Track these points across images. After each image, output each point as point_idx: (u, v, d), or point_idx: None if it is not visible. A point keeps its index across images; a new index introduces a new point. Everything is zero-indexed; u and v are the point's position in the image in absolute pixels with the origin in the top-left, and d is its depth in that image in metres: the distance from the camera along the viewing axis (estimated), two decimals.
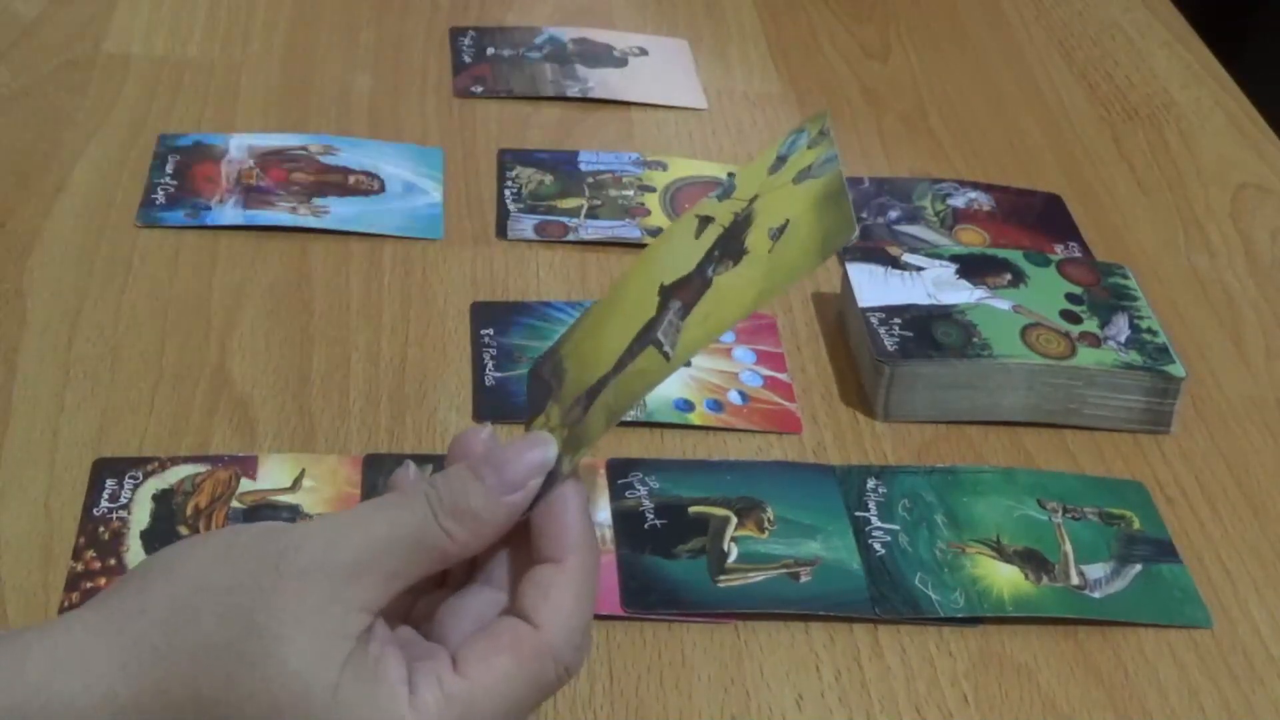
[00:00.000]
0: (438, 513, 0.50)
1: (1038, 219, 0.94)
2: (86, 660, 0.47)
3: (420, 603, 0.53)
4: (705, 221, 0.55)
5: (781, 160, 0.54)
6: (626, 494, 0.70)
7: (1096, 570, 0.69)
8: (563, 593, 0.51)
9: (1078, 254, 0.90)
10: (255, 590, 0.48)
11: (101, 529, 0.66)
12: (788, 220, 0.52)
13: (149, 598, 0.48)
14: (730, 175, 0.55)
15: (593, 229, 0.88)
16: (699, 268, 0.54)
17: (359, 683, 0.47)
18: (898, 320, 0.78)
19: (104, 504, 0.67)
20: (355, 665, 0.47)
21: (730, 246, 0.53)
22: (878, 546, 0.69)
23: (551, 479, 0.52)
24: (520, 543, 0.52)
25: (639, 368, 0.53)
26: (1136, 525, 0.72)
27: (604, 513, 0.69)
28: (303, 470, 0.70)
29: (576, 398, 0.54)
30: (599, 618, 0.65)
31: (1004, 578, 0.68)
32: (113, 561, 0.64)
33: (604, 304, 0.57)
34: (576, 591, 0.51)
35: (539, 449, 0.52)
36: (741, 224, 0.54)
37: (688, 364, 0.76)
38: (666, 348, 0.52)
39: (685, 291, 0.54)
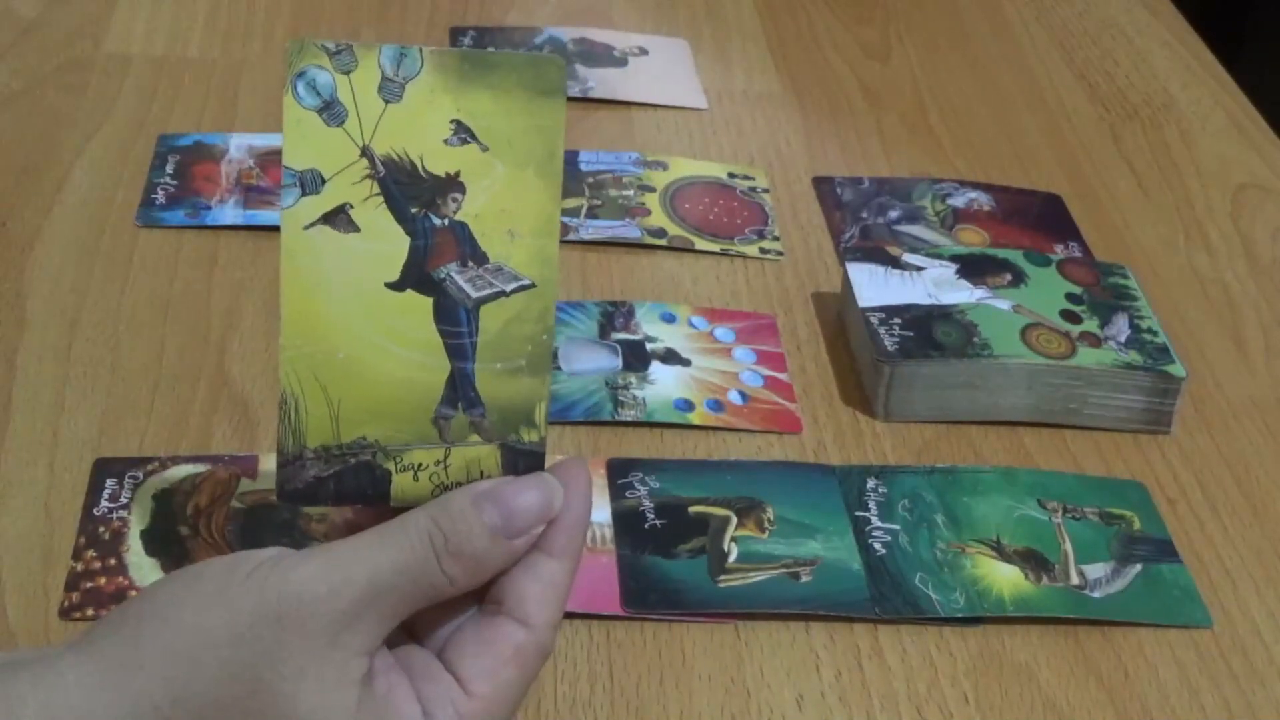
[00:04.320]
0: (440, 555, 0.49)
1: (1038, 219, 0.94)
2: (84, 716, 0.46)
3: None
4: (338, 216, 0.49)
5: (329, 106, 0.49)
6: (626, 494, 0.70)
7: (1096, 570, 0.69)
8: (559, 591, 0.51)
9: (1078, 254, 0.90)
10: (257, 644, 0.46)
11: (101, 529, 0.66)
12: (455, 120, 0.49)
13: (146, 650, 0.47)
14: (286, 179, 0.49)
15: (593, 229, 0.88)
16: (416, 233, 0.49)
17: None
18: (898, 320, 0.78)
19: (104, 504, 0.67)
20: (367, 709, 0.47)
21: (421, 190, 0.49)
22: (878, 546, 0.69)
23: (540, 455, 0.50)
24: None
25: (500, 324, 0.49)
26: (1136, 525, 0.72)
27: (604, 513, 0.69)
28: None
29: (434, 418, 0.50)
30: (599, 618, 0.65)
31: (1004, 578, 0.68)
32: (113, 561, 0.64)
33: (314, 378, 0.50)
34: (568, 584, 0.51)
35: (543, 491, 0.50)
36: (397, 172, 0.49)
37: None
38: (510, 286, 0.49)
39: (438, 256, 0.49)
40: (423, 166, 0.49)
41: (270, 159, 0.91)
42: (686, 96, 1.03)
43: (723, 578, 0.67)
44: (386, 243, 0.49)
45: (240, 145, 0.92)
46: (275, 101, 0.98)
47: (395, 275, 0.50)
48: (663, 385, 0.77)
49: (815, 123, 1.02)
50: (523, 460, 0.52)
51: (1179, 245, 0.93)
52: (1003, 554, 0.69)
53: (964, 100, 1.07)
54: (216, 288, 0.81)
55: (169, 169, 0.90)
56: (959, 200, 0.94)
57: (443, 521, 0.49)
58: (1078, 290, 0.81)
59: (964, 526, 0.70)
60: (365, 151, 0.49)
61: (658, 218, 0.90)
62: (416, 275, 0.50)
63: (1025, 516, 0.71)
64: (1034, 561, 0.69)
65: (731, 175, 0.95)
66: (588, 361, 0.78)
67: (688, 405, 0.76)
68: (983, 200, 0.95)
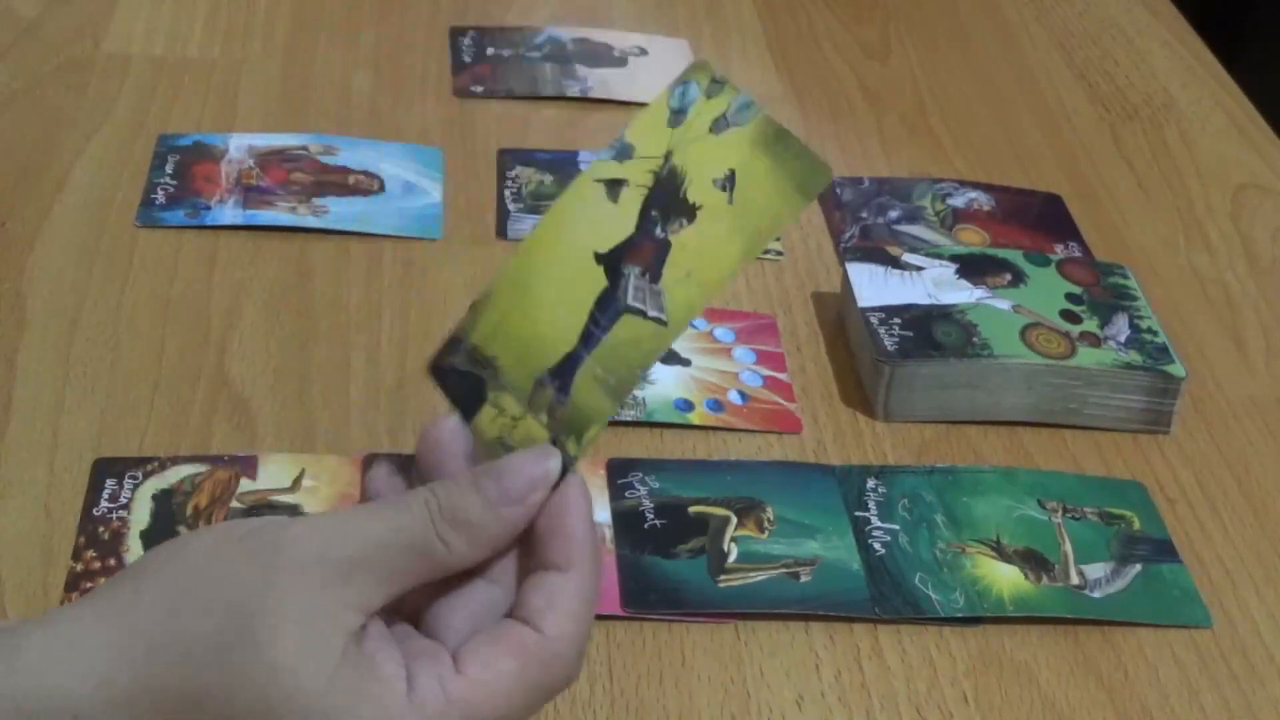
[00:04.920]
0: (436, 521, 0.49)
1: (1038, 219, 0.94)
2: (82, 650, 0.47)
3: (416, 595, 0.52)
4: (616, 185, 0.55)
5: (679, 113, 0.54)
6: (626, 494, 0.70)
7: (1096, 570, 0.69)
8: (569, 601, 0.51)
9: (1078, 254, 0.90)
10: (249, 584, 0.47)
11: (101, 529, 0.66)
12: (732, 170, 0.52)
13: (144, 589, 0.48)
14: (619, 138, 0.55)
15: None
16: (641, 230, 0.53)
17: (353, 679, 0.47)
18: (898, 320, 0.78)
19: (104, 504, 0.67)
20: (349, 662, 0.47)
21: (671, 204, 0.53)
22: (878, 546, 0.69)
23: (562, 470, 0.52)
24: (524, 540, 0.52)
25: (624, 337, 0.52)
26: (1136, 525, 0.72)
27: (604, 513, 0.69)
28: (302, 470, 0.70)
29: (538, 379, 0.53)
30: (599, 618, 0.65)
31: (1004, 578, 0.68)
32: (113, 561, 0.64)
33: (511, 283, 0.55)
34: (582, 599, 0.51)
35: (541, 462, 0.51)
36: (670, 181, 0.53)
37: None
38: (653, 313, 0.52)
39: (637, 255, 0.53)
40: (686, 189, 0.53)
41: (270, 159, 0.91)
42: None
43: (723, 578, 0.67)
44: (621, 224, 0.54)
45: (240, 145, 0.92)
46: (275, 101, 0.98)
47: (605, 249, 0.54)
48: (662, 385, 0.77)
49: (815, 123, 1.02)
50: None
51: (1179, 245, 0.93)
52: (1003, 554, 0.69)
53: (964, 100, 1.07)
54: (216, 288, 0.81)
55: (169, 169, 0.90)
56: (959, 200, 0.94)
57: (439, 490, 0.50)
58: (1077, 290, 0.81)
59: (964, 526, 0.70)
60: (668, 156, 0.54)
61: None
62: (615, 260, 0.54)
63: (1025, 516, 0.71)
64: (1034, 561, 0.69)
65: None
66: None
67: (687, 405, 0.76)
68: (983, 200, 0.95)
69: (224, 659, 0.47)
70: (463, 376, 0.55)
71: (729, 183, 0.53)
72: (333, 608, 0.48)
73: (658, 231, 0.53)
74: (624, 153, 0.55)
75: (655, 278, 0.53)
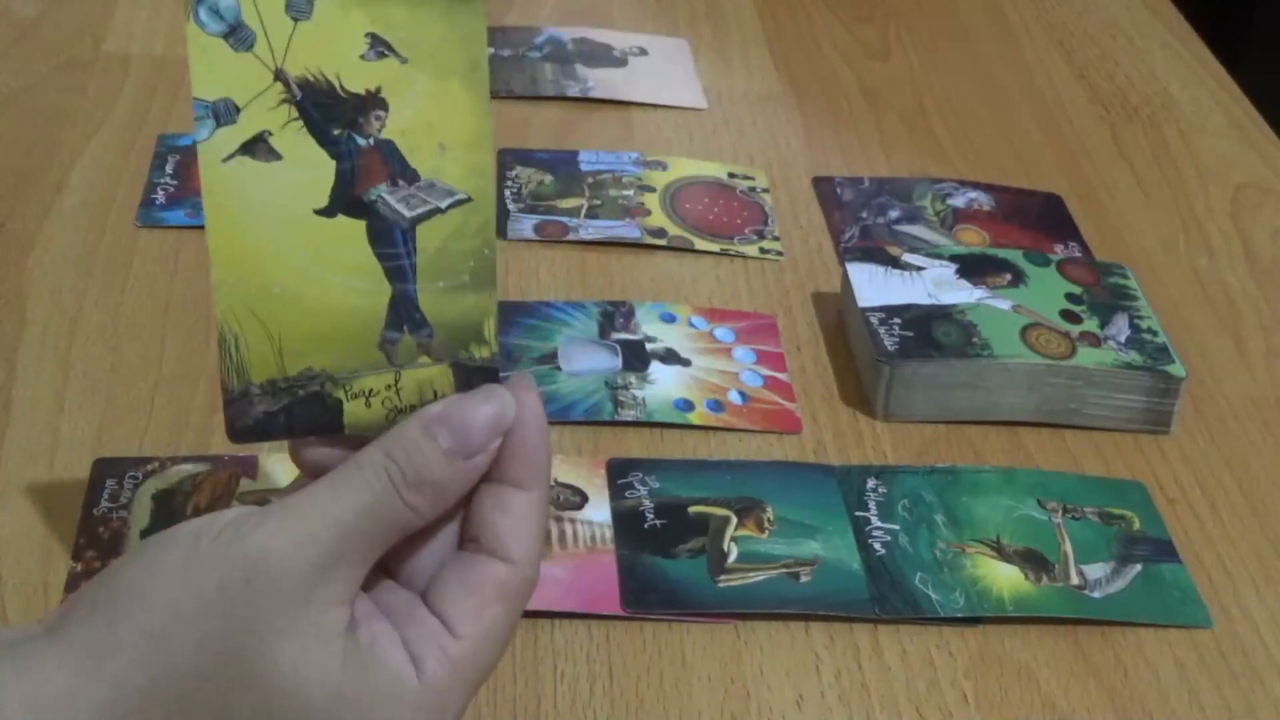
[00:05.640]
0: (399, 488, 0.48)
1: (1038, 219, 0.94)
2: (70, 707, 0.45)
3: None
4: (257, 143, 0.47)
5: (235, 32, 0.47)
6: (626, 494, 0.70)
7: (1096, 570, 0.69)
8: (534, 523, 0.50)
9: (1078, 254, 0.90)
10: (229, 611, 0.46)
11: (101, 529, 0.66)
12: (369, 33, 0.47)
13: (120, 631, 0.46)
14: (200, 105, 0.46)
15: (592, 229, 0.88)
16: (341, 154, 0.48)
17: (362, 678, 0.47)
18: (898, 320, 0.78)
19: (104, 504, 0.67)
20: (352, 662, 0.47)
21: (341, 110, 0.47)
22: (878, 546, 0.69)
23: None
24: None
25: (441, 240, 0.48)
26: (1136, 525, 0.72)
27: (604, 513, 0.69)
28: None
29: (381, 343, 0.49)
30: (599, 617, 0.65)
31: (1004, 578, 0.68)
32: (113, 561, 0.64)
33: (249, 310, 0.49)
34: (543, 516, 0.50)
35: (493, 403, 0.49)
36: (314, 92, 0.47)
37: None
38: (446, 202, 0.48)
39: (366, 177, 0.48)
40: (341, 85, 0.47)
41: None
42: (686, 96, 1.03)
43: (722, 578, 0.67)
44: (311, 168, 0.48)
45: None
46: None
47: (324, 201, 0.48)
48: (662, 385, 0.77)
49: (815, 123, 1.02)
50: (476, 377, 0.50)
51: (1179, 245, 0.93)
52: (1003, 554, 0.69)
53: (964, 100, 1.07)
54: None
55: (169, 169, 0.90)
56: (959, 200, 0.94)
57: (397, 454, 0.48)
58: (1077, 290, 0.81)
59: (964, 526, 0.70)
60: (279, 74, 0.47)
61: (658, 218, 0.90)
62: (346, 199, 0.48)
63: (1025, 516, 0.71)
64: (1034, 561, 0.69)
65: (731, 175, 0.95)
66: (587, 361, 0.78)
67: (687, 405, 0.76)
68: (983, 200, 0.95)
69: (224, 693, 0.46)
70: (285, 410, 0.50)
71: (379, 45, 0.47)
72: (320, 614, 0.46)
73: (362, 142, 0.48)
74: (225, 112, 0.47)
75: (410, 177, 0.48)
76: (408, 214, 0.48)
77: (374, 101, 0.47)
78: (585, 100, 1.01)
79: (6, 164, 0.89)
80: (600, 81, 1.03)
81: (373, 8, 0.47)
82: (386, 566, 0.51)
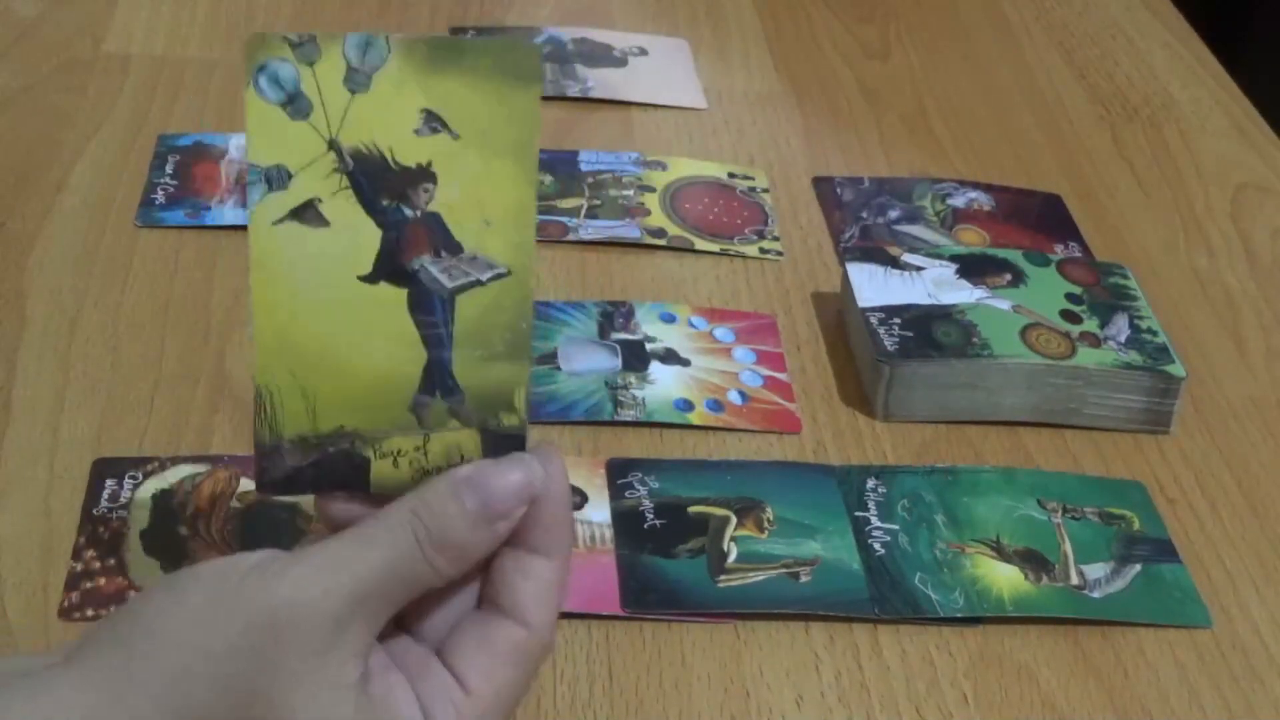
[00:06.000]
0: (424, 547, 0.48)
1: (1038, 219, 0.94)
2: None
3: None
4: (307, 210, 0.48)
5: (294, 101, 0.48)
6: (626, 494, 0.70)
7: (1096, 570, 0.69)
8: (554, 589, 0.51)
9: (1078, 254, 0.90)
10: (250, 655, 0.46)
11: (101, 529, 0.66)
12: (424, 109, 0.48)
13: (137, 668, 0.46)
14: (252, 169, 0.48)
15: (592, 229, 0.88)
16: (388, 224, 0.48)
17: None
18: (898, 320, 0.78)
19: (104, 504, 0.67)
20: (363, 715, 0.47)
21: (391, 181, 0.48)
22: (878, 546, 0.69)
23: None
24: None
25: (479, 311, 0.49)
26: (1136, 525, 0.72)
27: (604, 513, 0.69)
28: None
29: (413, 405, 0.50)
30: (599, 618, 0.65)
31: (1004, 578, 0.68)
32: (112, 561, 0.64)
33: (289, 367, 0.50)
34: (564, 583, 0.51)
35: (522, 471, 0.50)
36: (367, 164, 0.48)
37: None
38: (488, 276, 0.48)
39: (412, 247, 0.48)
40: (393, 158, 0.48)
41: None
42: (686, 96, 1.03)
43: (722, 578, 0.67)
44: (357, 236, 0.49)
45: (240, 145, 0.92)
46: None
47: (368, 269, 0.49)
48: (662, 385, 0.77)
49: (815, 123, 1.02)
50: (503, 444, 0.51)
51: (1179, 245, 0.93)
52: (1002, 554, 0.69)
53: (964, 100, 1.07)
54: (216, 288, 0.81)
55: (169, 169, 0.90)
56: (959, 200, 0.94)
57: (423, 513, 0.49)
58: (1077, 290, 0.81)
59: (964, 526, 0.70)
60: (332, 144, 0.48)
61: (657, 218, 0.90)
62: (389, 267, 0.49)
63: (1025, 516, 0.71)
64: (1034, 561, 0.69)
65: (731, 175, 0.95)
66: (587, 361, 0.78)
67: (687, 405, 0.76)
68: (983, 200, 0.95)
69: None
70: (314, 466, 0.50)
71: (434, 122, 0.48)
72: (337, 666, 0.47)
73: (409, 213, 0.48)
74: (277, 178, 0.49)
75: (453, 249, 0.49)
76: (449, 284, 0.49)
77: (424, 175, 0.48)
78: (585, 100, 1.01)
79: (6, 164, 0.89)
80: (600, 81, 1.03)
81: (430, 85, 0.48)
82: (403, 620, 0.51)
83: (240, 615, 0.46)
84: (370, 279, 0.49)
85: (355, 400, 0.50)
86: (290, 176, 0.48)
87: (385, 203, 0.49)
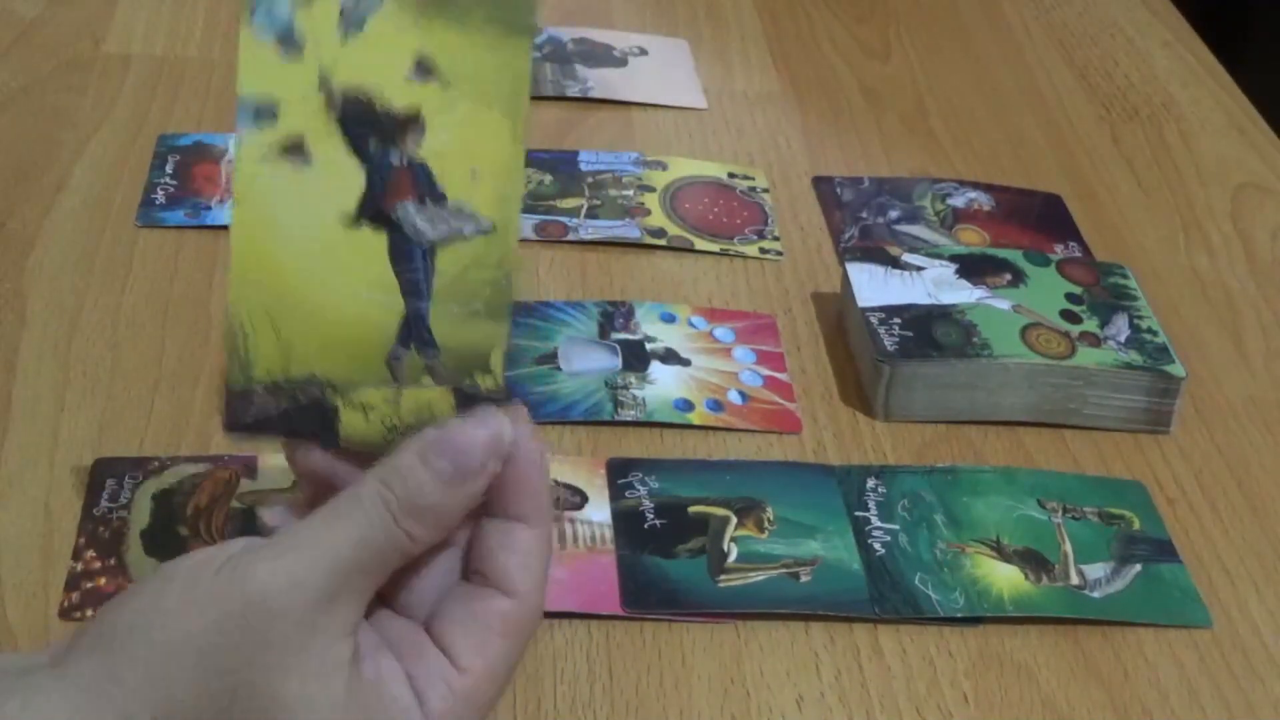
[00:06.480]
0: (396, 515, 0.48)
1: (1038, 219, 0.94)
2: None
3: None
4: (293, 148, 0.48)
5: (287, 39, 0.47)
6: (626, 494, 0.70)
7: (1096, 570, 0.69)
8: (539, 557, 0.50)
9: (1078, 254, 0.90)
10: (232, 645, 0.46)
11: (101, 529, 0.66)
12: (418, 54, 0.47)
13: (122, 666, 0.46)
14: (243, 101, 0.47)
15: (592, 229, 0.88)
16: (375, 166, 0.48)
17: (366, 713, 0.47)
18: (898, 320, 0.78)
19: (104, 504, 0.67)
20: (357, 697, 0.47)
21: (380, 123, 0.47)
22: (878, 546, 0.69)
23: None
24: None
25: (459, 265, 0.48)
26: (1136, 525, 0.72)
27: (604, 513, 0.69)
28: None
29: (389, 358, 0.49)
30: (599, 618, 0.65)
31: (1004, 578, 0.68)
32: (113, 561, 0.64)
33: (264, 306, 0.49)
34: (547, 549, 0.51)
35: (488, 426, 0.49)
36: (356, 106, 0.47)
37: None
38: (470, 229, 0.48)
39: (396, 191, 0.48)
40: (382, 102, 0.48)
41: None
42: (686, 96, 1.03)
43: (722, 578, 0.67)
44: (342, 177, 0.48)
45: None
46: None
47: (350, 210, 0.49)
48: (662, 385, 0.77)
49: (815, 123, 1.02)
50: (476, 405, 0.50)
51: (1179, 245, 0.93)
52: (1002, 554, 0.69)
53: (964, 100, 1.07)
54: (216, 288, 0.81)
55: (169, 169, 0.90)
56: (959, 200, 0.94)
57: (393, 482, 0.48)
58: (1077, 290, 0.81)
59: (964, 526, 0.70)
60: (323, 84, 0.48)
61: (657, 218, 0.90)
62: (371, 211, 0.49)
63: (1025, 516, 0.71)
64: (1034, 561, 0.69)
65: (731, 175, 0.95)
66: (587, 361, 0.78)
67: (687, 405, 0.76)
68: (983, 200, 0.95)
69: None
70: (283, 414, 0.50)
71: (424, 67, 0.47)
72: (324, 648, 0.46)
73: (395, 158, 0.48)
74: (265, 114, 0.48)
75: (438, 198, 0.48)
76: (430, 234, 0.48)
77: (412, 122, 0.48)
78: (585, 100, 1.01)
79: (6, 164, 0.89)
80: (600, 81, 1.03)
81: (424, 31, 0.47)
82: (387, 596, 0.51)
83: (213, 610, 0.46)
84: (356, 220, 0.49)
85: (330, 347, 0.49)
86: (278, 113, 0.48)
87: (372, 146, 0.48)
